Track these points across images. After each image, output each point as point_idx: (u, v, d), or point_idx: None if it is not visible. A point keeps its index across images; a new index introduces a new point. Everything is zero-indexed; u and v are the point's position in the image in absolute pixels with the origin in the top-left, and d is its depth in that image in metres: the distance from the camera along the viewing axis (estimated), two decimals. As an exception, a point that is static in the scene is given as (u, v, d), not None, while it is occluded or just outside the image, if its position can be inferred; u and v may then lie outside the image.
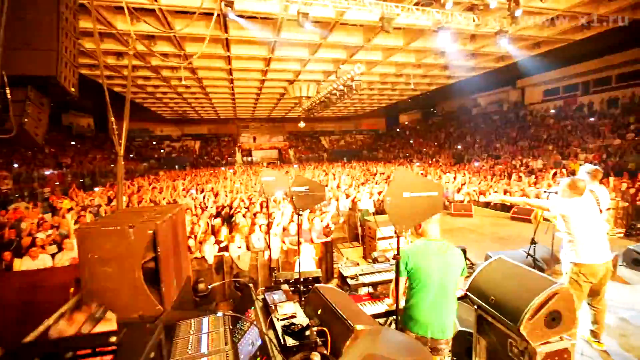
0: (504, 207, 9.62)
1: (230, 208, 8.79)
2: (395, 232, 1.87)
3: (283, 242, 6.24)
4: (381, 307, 2.89)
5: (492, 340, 2.60)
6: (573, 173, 10.15)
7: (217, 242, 5.76)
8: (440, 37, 11.10)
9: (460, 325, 3.16)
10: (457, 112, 30.87)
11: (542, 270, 4.98)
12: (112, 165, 21.58)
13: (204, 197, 10.21)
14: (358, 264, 3.55)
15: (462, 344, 3.09)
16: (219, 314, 1.82)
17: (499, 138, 22.06)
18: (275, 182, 3.47)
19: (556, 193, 3.45)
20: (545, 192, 3.96)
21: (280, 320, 1.93)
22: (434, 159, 23.46)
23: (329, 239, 6.51)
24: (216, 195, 10.63)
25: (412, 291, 2.31)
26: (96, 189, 14.66)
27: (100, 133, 29.89)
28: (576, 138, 17.13)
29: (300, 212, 3.06)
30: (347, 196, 9.67)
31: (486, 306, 2.51)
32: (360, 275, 3.00)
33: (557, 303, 2.24)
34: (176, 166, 29.14)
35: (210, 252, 5.33)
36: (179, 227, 3.67)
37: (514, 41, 12.83)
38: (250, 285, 2.34)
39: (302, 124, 23.19)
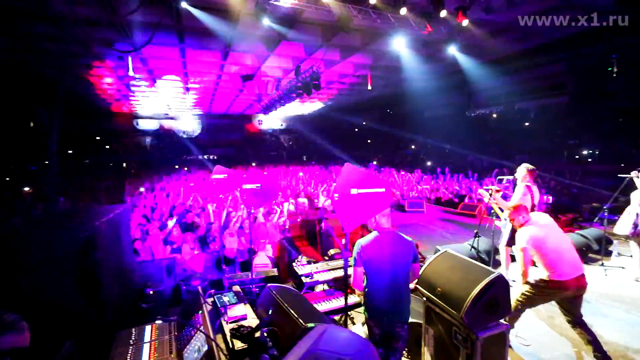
0: (453, 203, 10.28)
1: (185, 208, 8.37)
2: (342, 229, 1.89)
3: (240, 241, 6.08)
4: (337, 303, 2.92)
5: (439, 329, 2.75)
6: (512, 172, 11.18)
7: (169, 243, 5.45)
8: (396, 40, 11.62)
9: (411, 317, 3.31)
10: (411, 114, 32.30)
11: (484, 260, 5.39)
12: (46, 162, 19.47)
13: (154, 197, 9.62)
14: (315, 262, 3.56)
15: (412, 335, 3.24)
16: (159, 321, 1.70)
17: (448, 139, 23.55)
18: (227, 180, 3.35)
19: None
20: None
21: (229, 323, 1.85)
22: (390, 159, 24.41)
23: (285, 238, 6.47)
24: (168, 194, 10.07)
25: (368, 282, 2.38)
26: (26, 188, 13.13)
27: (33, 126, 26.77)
28: (514, 140, 18.87)
29: (253, 210, 2.99)
30: (306, 195, 9.69)
31: (433, 297, 2.65)
32: (315, 273, 3.01)
33: (495, 291, 2.43)
34: (124, 164, 27.09)
35: (160, 253, 5.02)
36: (122, 229, 3.39)
37: (462, 49, 13.73)
38: (199, 288, 2.23)
39: (260, 122, 22.75)
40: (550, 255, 3.05)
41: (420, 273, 2.79)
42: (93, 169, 22.54)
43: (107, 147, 30.83)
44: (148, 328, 1.76)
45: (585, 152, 14.69)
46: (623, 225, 5.00)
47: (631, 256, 5.15)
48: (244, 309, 2.02)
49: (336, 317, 3.33)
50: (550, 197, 8.80)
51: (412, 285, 3.10)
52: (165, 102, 24.86)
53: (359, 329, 2.90)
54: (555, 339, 3.60)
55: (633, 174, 4.80)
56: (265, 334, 1.63)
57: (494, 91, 24.59)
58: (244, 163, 28.33)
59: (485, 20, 11.30)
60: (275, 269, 4.34)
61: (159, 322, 1.69)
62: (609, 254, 5.81)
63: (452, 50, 12.54)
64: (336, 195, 1.78)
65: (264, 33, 11.56)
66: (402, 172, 15.86)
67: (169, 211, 7.71)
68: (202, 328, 1.65)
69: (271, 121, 38.57)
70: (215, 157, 33.86)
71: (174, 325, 1.77)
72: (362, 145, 32.85)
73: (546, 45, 14.11)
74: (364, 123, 38.60)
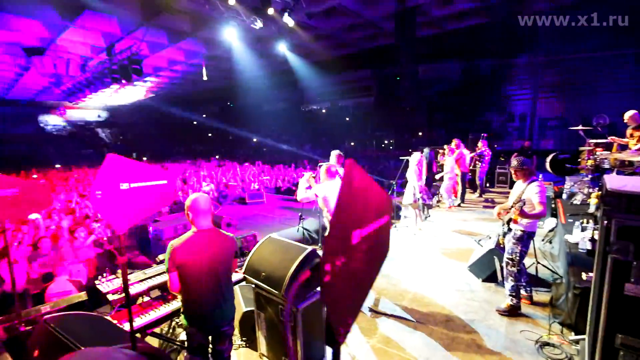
0: (291, 191, 11.14)
1: None
2: (113, 231, 1.69)
3: (32, 268, 4.64)
4: (158, 312, 2.63)
5: (268, 311, 2.90)
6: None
7: None
8: (228, 31, 11.38)
9: (246, 306, 3.37)
10: (252, 108, 32.76)
11: (313, 239, 6.09)
12: None
13: None
14: (131, 273, 3.07)
15: (248, 323, 3.30)
16: None
17: (287, 132, 25.32)
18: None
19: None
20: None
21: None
22: (232, 152, 24.13)
23: (106, 252, 5.39)
24: None
25: (186, 286, 2.19)
26: None
27: None
28: (340, 133, 22.19)
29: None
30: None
31: (259, 283, 2.77)
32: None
33: (309, 265, 2.76)
34: None
35: None
36: None
37: (291, 48, 14.85)
38: None
39: (64, 111, 17.94)
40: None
41: (246, 261, 2.86)
42: None
43: None
44: None
45: (386, 142, 18.76)
46: (407, 196, 6.75)
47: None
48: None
49: (160, 328, 3.02)
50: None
51: (239, 276, 3.15)
52: None
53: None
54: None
55: (404, 158, 6.56)
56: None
57: (321, 89, 28.01)
58: (42, 165, 21.44)
59: (308, 25, 12.59)
60: (83, 293, 3.52)
61: None
62: (399, 217, 7.70)
63: (283, 48, 13.38)
64: (98, 192, 1.49)
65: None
66: (245, 165, 15.97)
67: None
68: None
69: (84, 111, 30.95)
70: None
71: None
72: (202, 140, 30.97)
73: (356, 54, 17.16)
74: (204, 116, 36.46)
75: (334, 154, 4.95)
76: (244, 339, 3.39)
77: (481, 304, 3.93)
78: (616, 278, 1.91)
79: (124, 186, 1.50)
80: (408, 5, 12.07)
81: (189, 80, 20.75)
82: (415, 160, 6.45)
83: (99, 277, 2.63)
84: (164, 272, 2.82)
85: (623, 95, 13.82)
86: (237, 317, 3.32)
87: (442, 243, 6.01)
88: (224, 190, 11.05)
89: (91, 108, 30.41)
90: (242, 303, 3.37)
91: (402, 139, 18.52)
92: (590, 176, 5.67)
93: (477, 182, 9.38)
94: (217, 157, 22.30)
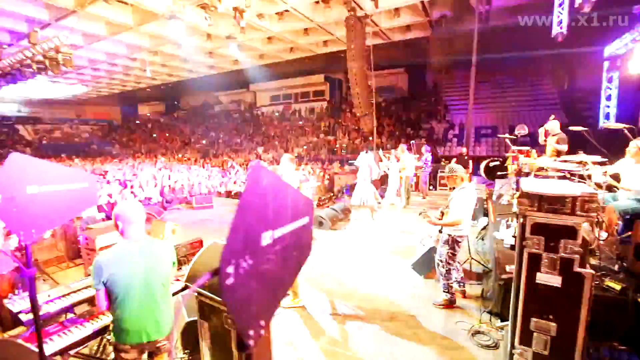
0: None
1: None
2: (20, 242, 1.51)
3: None
4: (84, 331, 2.37)
5: (213, 320, 2.78)
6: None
7: None
8: (175, 26, 10.79)
9: (189, 316, 3.19)
10: (201, 108, 31.43)
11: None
12: None
13: None
14: (52, 288, 2.74)
15: (192, 333, 3.13)
16: None
17: (238, 134, 24.65)
18: None
19: None
20: None
21: None
22: (180, 154, 22.85)
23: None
24: None
25: (116, 302, 1.99)
26: None
27: None
28: (292, 136, 22.16)
29: None
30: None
31: (202, 291, 2.64)
32: (46, 303, 2.28)
33: (256, 269, 2.70)
34: None
35: None
36: None
37: (243, 49, 14.53)
38: None
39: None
40: None
41: (188, 269, 2.71)
42: None
43: None
44: None
45: (338, 145, 19.18)
46: (355, 198, 6.99)
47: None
48: None
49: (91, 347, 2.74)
50: (317, 181, 10.98)
51: (182, 285, 2.98)
52: None
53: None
54: (314, 291, 4.50)
55: (353, 162, 6.81)
56: None
57: (274, 92, 27.85)
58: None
59: (260, 26, 12.43)
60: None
61: None
62: (349, 219, 7.89)
63: (234, 48, 13.05)
64: (-3, 196, 1.30)
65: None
66: (194, 167, 15.21)
67: None
68: None
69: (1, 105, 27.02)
70: None
71: None
72: (145, 140, 28.89)
73: (309, 59, 17.31)
74: (149, 115, 34.13)
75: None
76: (186, 350, 3.21)
77: (422, 299, 4.18)
78: (530, 268, 2.16)
79: (32, 189, 1.30)
80: (359, 14, 12.49)
81: (131, 76, 19.27)
82: (366, 160, 6.69)
83: (10, 295, 2.30)
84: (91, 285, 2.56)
85: (540, 110, 16.20)
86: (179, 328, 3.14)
87: (389, 243, 6.29)
88: (168, 193, 10.39)
89: (9, 101, 26.77)
90: (185, 313, 3.19)
91: (353, 143, 19.11)
92: (514, 179, 6.34)
93: (422, 185, 10.00)
94: (162, 158, 20.91)
